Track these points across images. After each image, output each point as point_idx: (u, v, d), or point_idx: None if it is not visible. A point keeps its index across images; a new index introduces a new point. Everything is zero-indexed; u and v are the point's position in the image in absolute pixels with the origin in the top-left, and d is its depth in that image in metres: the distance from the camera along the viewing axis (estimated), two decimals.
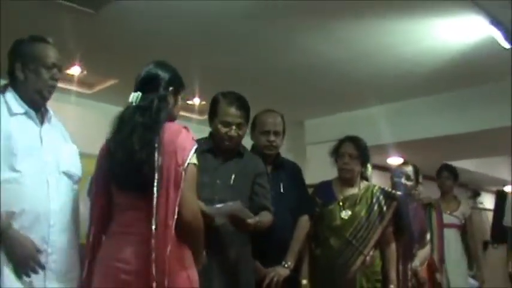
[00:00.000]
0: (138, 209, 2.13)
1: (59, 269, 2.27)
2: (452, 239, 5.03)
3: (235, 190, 2.88)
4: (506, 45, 4.08)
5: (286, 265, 3.19)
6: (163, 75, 2.34)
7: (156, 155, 2.11)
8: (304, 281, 3.41)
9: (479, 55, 4.61)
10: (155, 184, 2.08)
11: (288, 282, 3.17)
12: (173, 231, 2.06)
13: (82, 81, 5.54)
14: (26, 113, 2.35)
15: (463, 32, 4.27)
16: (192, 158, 2.17)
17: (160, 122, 2.20)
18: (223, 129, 2.94)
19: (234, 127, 2.93)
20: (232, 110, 2.94)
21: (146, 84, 2.31)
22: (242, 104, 2.98)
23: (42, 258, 2.21)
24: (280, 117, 3.41)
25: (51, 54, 2.40)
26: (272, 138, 3.31)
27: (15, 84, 2.38)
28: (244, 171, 2.95)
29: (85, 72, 5.30)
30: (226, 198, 2.76)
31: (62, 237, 2.30)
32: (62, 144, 2.46)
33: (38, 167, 2.28)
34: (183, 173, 2.11)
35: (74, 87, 5.48)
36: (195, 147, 2.20)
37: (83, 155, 2.56)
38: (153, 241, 2.04)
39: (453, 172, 5.24)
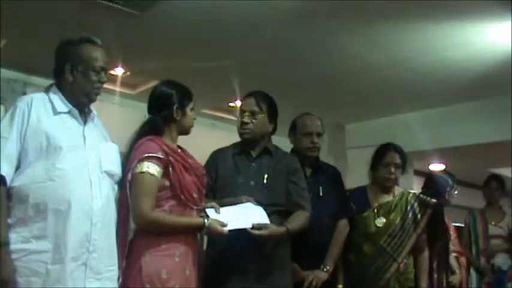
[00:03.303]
0: None
1: (98, 266, 2.28)
2: (498, 251, 4.96)
3: (270, 190, 2.89)
4: None
5: (325, 269, 3.19)
6: (167, 94, 2.61)
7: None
8: (340, 286, 3.38)
9: None
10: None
11: (325, 286, 3.17)
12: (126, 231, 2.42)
13: (125, 82, 5.61)
14: (69, 112, 2.37)
15: (508, 36, 4.18)
16: (136, 168, 2.41)
17: (139, 137, 2.52)
18: (239, 118, 3.03)
19: (246, 113, 2.97)
20: (247, 99, 3.04)
21: (154, 103, 2.63)
22: (259, 95, 3.03)
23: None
24: (320, 120, 3.44)
25: (100, 57, 2.40)
26: (315, 139, 3.36)
27: (61, 84, 2.39)
28: (277, 169, 2.96)
29: (128, 73, 5.35)
30: (261, 199, 2.78)
31: (103, 235, 2.31)
32: (103, 143, 2.47)
33: (81, 165, 2.28)
34: (131, 180, 2.42)
35: (117, 88, 5.54)
36: (140, 156, 2.42)
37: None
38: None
39: (501, 183, 5.24)
